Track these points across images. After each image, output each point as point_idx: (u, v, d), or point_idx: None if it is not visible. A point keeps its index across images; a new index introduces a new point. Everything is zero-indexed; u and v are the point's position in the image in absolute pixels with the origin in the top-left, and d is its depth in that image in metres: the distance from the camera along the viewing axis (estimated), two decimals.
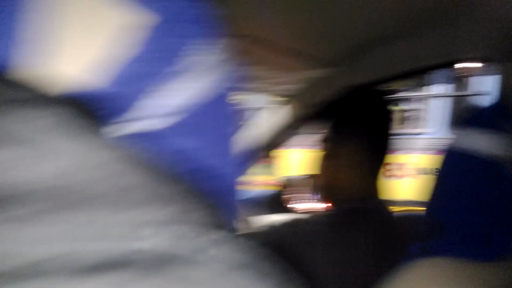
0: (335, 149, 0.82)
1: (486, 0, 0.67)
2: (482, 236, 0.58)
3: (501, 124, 0.62)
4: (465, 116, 0.65)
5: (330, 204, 0.85)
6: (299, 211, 1.17)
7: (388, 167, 0.85)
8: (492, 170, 0.59)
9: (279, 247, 0.72)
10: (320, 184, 0.86)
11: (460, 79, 3.57)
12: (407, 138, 3.25)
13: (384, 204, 0.81)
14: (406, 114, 3.81)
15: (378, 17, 0.78)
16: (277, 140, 1.20)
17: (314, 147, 0.86)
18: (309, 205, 1.15)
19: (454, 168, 0.63)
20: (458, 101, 3.61)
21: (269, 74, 1.04)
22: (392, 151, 0.84)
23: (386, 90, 1.00)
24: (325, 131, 0.83)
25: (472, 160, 0.60)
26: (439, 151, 0.65)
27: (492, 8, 0.71)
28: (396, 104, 3.85)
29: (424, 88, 3.76)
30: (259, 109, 1.24)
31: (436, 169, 0.64)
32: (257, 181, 2.94)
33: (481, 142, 0.60)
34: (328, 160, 0.83)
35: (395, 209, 0.88)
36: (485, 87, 3.33)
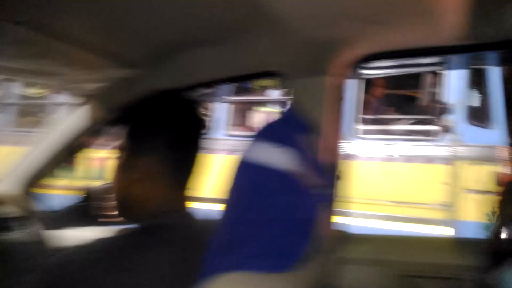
0: (131, 159, 0.73)
1: (284, 19, 0.71)
2: (276, 248, 0.60)
3: (293, 137, 0.65)
4: (260, 129, 0.67)
5: (129, 220, 0.77)
6: (101, 224, 1.07)
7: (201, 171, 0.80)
8: (283, 183, 0.61)
9: (68, 277, 0.61)
10: (117, 197, 0.77)
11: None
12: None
13: (190, 217, 0.76)
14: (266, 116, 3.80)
15: (184, 23, 0.77)
16: (78, 142, 1.08)
17: (114, 154, 0.77)
18: (111, 218, 1.05)
19: (247, 181, 0.63)
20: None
21: (65, 70, 0.92)
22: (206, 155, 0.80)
23: (194, 96, 0.99)
24: (122, 138, 0.75)
25: (264, 173, 0.62)
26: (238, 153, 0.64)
27: (289, 27, 0.76)
28: (265, 106, 3.89)
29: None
30: (55, 108, 1.10)
31: (231, 178, 0.64)
32: (58, 186, 2.57)
33: (273, 155, 0.62)
34: (124, 171, 0.75)
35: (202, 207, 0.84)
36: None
